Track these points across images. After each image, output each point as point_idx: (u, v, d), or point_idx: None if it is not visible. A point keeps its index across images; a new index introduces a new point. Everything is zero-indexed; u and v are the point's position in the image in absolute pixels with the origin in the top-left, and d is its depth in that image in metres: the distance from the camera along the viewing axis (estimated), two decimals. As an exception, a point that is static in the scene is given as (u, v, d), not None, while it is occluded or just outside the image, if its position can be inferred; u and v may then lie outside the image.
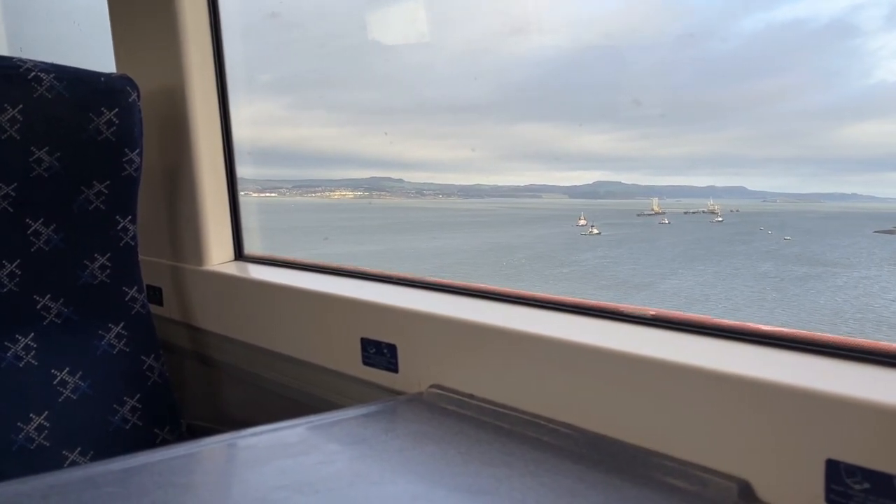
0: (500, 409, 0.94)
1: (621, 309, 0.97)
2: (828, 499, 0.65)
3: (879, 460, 0.62)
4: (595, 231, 4.31)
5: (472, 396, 0.99)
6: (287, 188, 3.52)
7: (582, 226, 4.33)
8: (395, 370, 1.11)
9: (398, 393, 1.11)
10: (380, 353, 1.13)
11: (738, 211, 3.89)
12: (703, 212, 3.83)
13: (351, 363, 1.19)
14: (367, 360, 1.16)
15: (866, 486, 0.62)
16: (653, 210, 4.02)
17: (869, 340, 0.74)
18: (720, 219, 3.77)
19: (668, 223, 4.07)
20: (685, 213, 4.12)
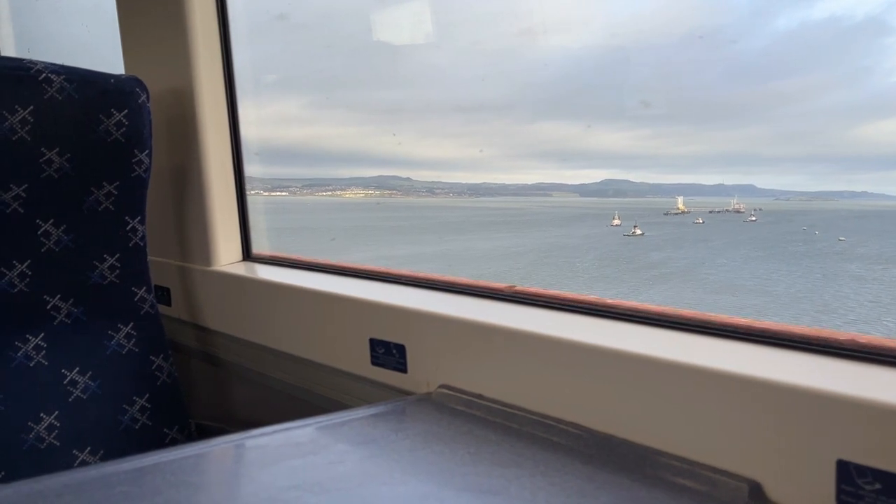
0: (509, 410, 0.94)
1: (630, 308, 0.97)
2: (838, 499, 0.65)
3: (890, 461, 0.62)
4: (638, 231, 4.23)
5: (480, 397, 0.99)
6: (297, 187, 3.50)
7: (617, 225, 4.25)
8: (404, 370, 1.12)
9: (407, 393, 1.11)
10: (388, 354, 1.14)
11: (761, 209, 3.83)
12: (728, 210, 3.76)
13: (359, 363, 1.19)
14: (376, 361, 1.16)
15: (877, 486, 0.62)
16: (679, 209, 3.96)
17: (880, 341, 0.74)
18: (753, 218, 3.70)
19: (703, 223, 4.00)
20: (710, 212, 4.05)
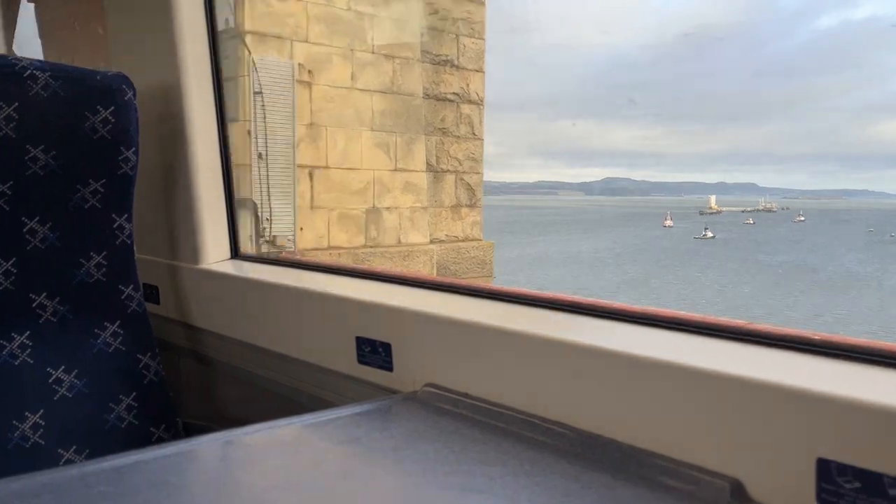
0: (495, 408, 0.94)
1: (615, 308, 0.97)
2: (819, 498, 0.65)
3: (870, 459, 0.62)
4: (710, 234, 4.20)
5: (466, 395, 0.99)
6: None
7: (670, 227, 4.20)
8: (390, 369, 1.11)
9: (393, 392, 1.11)
10: (375, 352, 1.13)
11: (788, 209, 3.80)
12: (760, 210, 3.74)
13: (346, 362, 1.19)
14: (362, 359, 1.16)
15: (857, 485, 0.62)
16: (712, 208, 3.94)
17: (859, 339, 0.75)
18: (801, 218, 3.70)
19: (754, 223, 3.98)
20: (743, 210, 4.02)
